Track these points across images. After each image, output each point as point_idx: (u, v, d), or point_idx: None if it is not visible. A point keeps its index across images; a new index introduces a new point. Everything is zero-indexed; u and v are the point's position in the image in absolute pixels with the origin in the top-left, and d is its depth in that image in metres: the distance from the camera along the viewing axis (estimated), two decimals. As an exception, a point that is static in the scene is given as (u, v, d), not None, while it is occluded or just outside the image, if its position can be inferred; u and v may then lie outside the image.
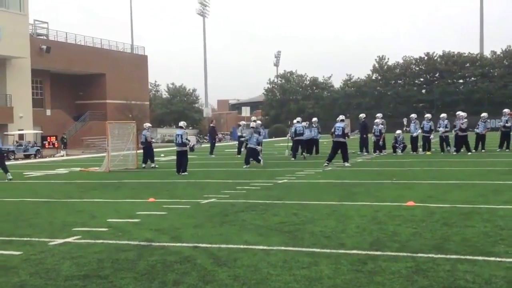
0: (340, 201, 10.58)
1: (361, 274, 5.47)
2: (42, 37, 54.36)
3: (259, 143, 20.31)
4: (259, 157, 20.18)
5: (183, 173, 17.73)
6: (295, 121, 24.83)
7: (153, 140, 22.71)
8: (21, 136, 41.17)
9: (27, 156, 36.16)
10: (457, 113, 24.13)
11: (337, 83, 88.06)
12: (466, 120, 23.12)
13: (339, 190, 12.40)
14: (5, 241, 7.77)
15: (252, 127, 20.85)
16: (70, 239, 7.67)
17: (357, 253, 6.34)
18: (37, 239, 7.80)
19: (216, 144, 32.10)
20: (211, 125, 30.73)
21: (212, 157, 27.03)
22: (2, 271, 6.07)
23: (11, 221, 9.52)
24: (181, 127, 18.90)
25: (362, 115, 26.04)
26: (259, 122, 22.97)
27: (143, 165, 21.17)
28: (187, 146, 19.45)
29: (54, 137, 40.98)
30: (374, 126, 24.65)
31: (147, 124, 22.71)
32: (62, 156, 37.15)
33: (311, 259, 6.13)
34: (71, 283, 5.50)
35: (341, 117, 19.89)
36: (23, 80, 45.80)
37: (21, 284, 5.53)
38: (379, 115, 25.60)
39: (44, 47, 51.29)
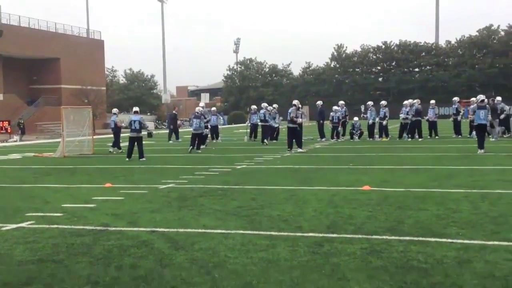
0: (298, 185, 10.68)
1: (317, 256, 5.55)
2: (-7, 20, 52.63)
3: (200, 127, 20.59)
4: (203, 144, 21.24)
5: (141, 159, 17.48)
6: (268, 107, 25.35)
7: (123, 124, 22.38)
8: (-29, 121, 39.84)
9: (-22, 142, 35.04)
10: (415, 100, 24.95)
11: (296, 71, 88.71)
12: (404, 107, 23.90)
13: (297, 175, 12.51)
14: (-46, 227, 7.52)
15: (196, 112, 21.00)
16: (23, 224, 7.50)
17: (313, 235, 6.43)
18: (-12, 224, 7.59)
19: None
20: (174, 112, 30.42)
21: (170, 143, 26.85)
22: (-48, 257, 5.89)
23: (-39, 207, 9.21)
24: (136, 112, 18.60)
25: (319, 102, 26.44)
26: (201, 108, 22.37)
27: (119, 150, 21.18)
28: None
29: (6, 122, 39.84)
30: (332, 113, 24.99)
31: (116, 110, 22.80)
32: (15, 141, 36.14)
33: (269, 242, 6.18)
34: (25, 268, 5.39)
35: (294, 102, 19.80)
36: (-26, 63, 44.31)
37: (-28, 270, 5.38)
38: (341, 102, 26.00)
39: (-4, 30, 49.63)
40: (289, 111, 19.08)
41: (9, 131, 39.25)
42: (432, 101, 25.42)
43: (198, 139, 20.42)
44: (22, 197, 10.23)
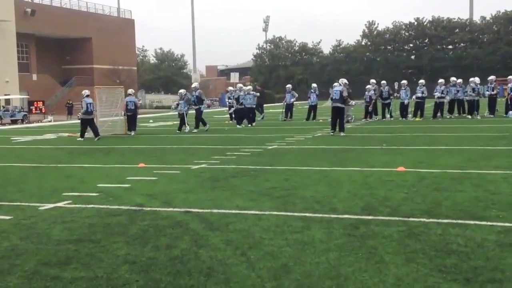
0: (330, 166, 10.59)
1: (353, 238, 5.49)
2: (26, -1, 53.27)
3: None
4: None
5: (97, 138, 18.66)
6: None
7: (140, 102, 22.56)
8: (7, 101, 40.64)
9: (14, 122, 35.78)
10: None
11: (326, 49, 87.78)
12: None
13: (330, 155, 12.40)
14: (-6, 206, 7.69)
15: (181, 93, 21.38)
16: (60, 204, 7.61)
17: (349, 217, 6.36)
18: (27, 204, 7.72)
19: (205, 110, 31.86)
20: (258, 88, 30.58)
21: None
22: (-8, 236, 6.02)
23: (-1, 186, 9.42)
24: (88, 96, 19.41)
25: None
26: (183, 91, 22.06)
27: (132, 133, 20.78)
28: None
29: (41, 102, 40.52)
30: (366, 92, 24.67)
31: (132, 90, 22.51)
32: (49, 121, 36.79)
33: (303, 223, 6.13)
34: (63, 247, 5.46)
35: (342, 80, 18.18)
36: (8, 44, 45.00)
37: (12, 248, 5.48)
38: (372, 81, 25.66)
39: (29, 10, 50.30)
40: (340, 89, 17.26)
41: (43, 111, 39.90)
42: (456, 80, 25.25)
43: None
44: (58, 176, 10.40)
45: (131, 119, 21.03)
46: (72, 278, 4.56)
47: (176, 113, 21.54)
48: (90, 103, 19.22)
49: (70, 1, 57.57)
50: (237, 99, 23.73)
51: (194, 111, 21.54)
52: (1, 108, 37.92)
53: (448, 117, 24.37)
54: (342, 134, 17.23)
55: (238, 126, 23.08)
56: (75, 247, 5.47)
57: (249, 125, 23.36)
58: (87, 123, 19.22)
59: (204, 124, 21.28)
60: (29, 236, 5.94)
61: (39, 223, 6.52)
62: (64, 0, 56.91)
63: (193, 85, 22.26)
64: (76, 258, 5.10)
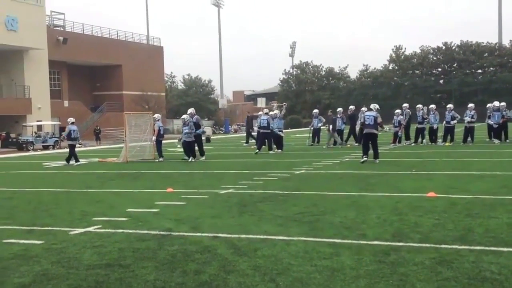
0: (359, 192, 10.49)
1: (384, 265, 5.40)
2: (59, 28, 54.72)
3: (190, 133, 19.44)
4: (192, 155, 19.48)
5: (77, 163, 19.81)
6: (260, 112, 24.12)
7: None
8: (39, 127, 41.53)
9: (45, 147, 36.49)
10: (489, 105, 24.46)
11: (353, 74, 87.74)
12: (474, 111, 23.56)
13: (358, 181, 12.30)
14: (26, 230, 7.81)
15: (183, 119, 20.25)
16: (90, 229, 7.69)
17: (379, 244, 6.27)
18: (58, 228, 7.83)
19: (231, 136, 32.20)
20: (248, 115, 31.14)
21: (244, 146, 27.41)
22: (24, 260, 6.10)
23: (31, 211, 9.58)
24: (73, 123, 20.60)
25: (352, 107, 26.99)
26: (185, 116, 20.37)
27: (161, 159, 20.34)
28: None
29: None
30: (394, 117, 24.51)
31: (159, 115, 21.89)
32: (80, 147, 37.35)
33: (332, 249, 6.07)
34: (93, 272, 5.51)
35: (375, 106, 17.10)
36: (41, 71, 46.15)
37: (44, 273, 5.55)
38: (405, 105, 25.63)
39: (61, 38, 51.63)
40: (374, 114, 16.42)
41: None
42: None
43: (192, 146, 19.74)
44: (88, 201, 10.53)
45: (161, 145, 20.71)
46: (102, 303, 4.59)
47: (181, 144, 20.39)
48: (74, 130, 20.48)
49: (101, 29, 58.97)
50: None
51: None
52: (33, 134, 38.74)
53: (506, 142, 23.42)
54: (377, 161, 16.40)
55: (271, 152, 22.31)
56: (105, 271, 5.51)
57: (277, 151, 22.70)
58: (74, 147, 20.40)
59: (202, 154, 20.07)
60: (60, 261, 6.01)
61: (69, 248, 6.59)
62: (95, 29, 58.34)
63: (189, 111, 20.57)
64: (106, 283, 5.13)
